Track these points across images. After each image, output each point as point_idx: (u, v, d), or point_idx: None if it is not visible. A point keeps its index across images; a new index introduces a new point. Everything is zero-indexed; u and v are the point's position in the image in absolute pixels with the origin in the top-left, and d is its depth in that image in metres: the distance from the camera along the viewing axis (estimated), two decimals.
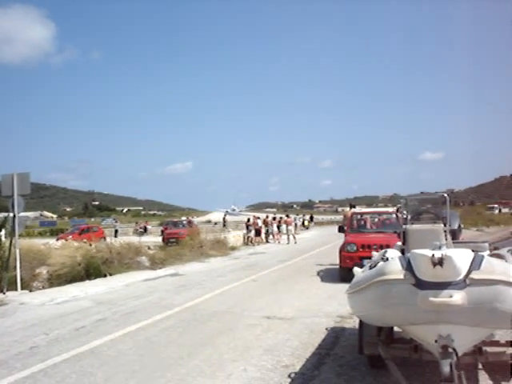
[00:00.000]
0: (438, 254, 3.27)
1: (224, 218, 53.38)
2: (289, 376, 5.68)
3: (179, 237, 29.41)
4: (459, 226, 7.64)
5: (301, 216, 57.56)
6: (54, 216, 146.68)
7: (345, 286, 5.36)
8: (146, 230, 51.30)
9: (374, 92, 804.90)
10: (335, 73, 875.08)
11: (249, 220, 33.45)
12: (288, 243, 30.46)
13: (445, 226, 6.47)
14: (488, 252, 5.93)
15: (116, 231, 50.29)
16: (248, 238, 31.36)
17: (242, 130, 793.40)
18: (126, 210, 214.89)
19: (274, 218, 37.24)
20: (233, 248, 26.35)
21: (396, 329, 5.44)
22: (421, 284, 3.36)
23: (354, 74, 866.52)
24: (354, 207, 19.87)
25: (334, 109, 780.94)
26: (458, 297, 3.22)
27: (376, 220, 16.75)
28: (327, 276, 14.55)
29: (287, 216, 39.00)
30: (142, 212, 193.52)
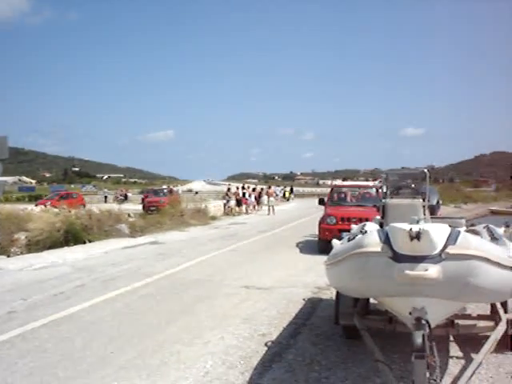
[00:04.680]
0: (415, 228, 3.30)
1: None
2: (265, 344, 5.78)
3: (160, 205, 29.31)
4: (438, 201, 7.75)
5: (282, 188, 57.65)
6: (33, 182, 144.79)
7: (323, 258, 5.41)
8: (126, 197, 51.26)
9: (359, 67, 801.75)
10: (320, 46, 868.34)
11: (229, 190, 33.44)
12: (268, 214, 30.58)
13: (424, 201, 6.55)
14: (464, 228, 6.03)
15: (106, 197, 50.55)
16: (228, 208, 31.38)
17: (224, 100, 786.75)
18: (106, 176, 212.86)
19: (254, 189, 37.31)
20: (213, 218, 26.36)
21: (372, 300, 5.55)
22: (398, 257, 3.41)
23: (338, 47, 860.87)
24: (346, 180, 19.98)
25: (318, 82, 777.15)
26: (433, 270, 3.27)
27: (356, 193, 16.83)
28: (306, 248, 14.70)
29: (269, 187, 39.07)
30: (123, 179, 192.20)
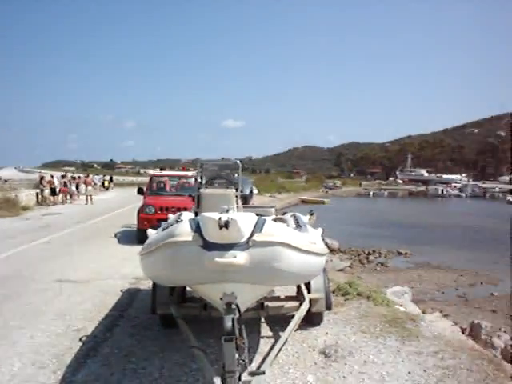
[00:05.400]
0: (224, 217, 3.46)
1: None
2: (80, 340, 5.60)
3: None
4: (251, 191, 8.13)
5: (101, 176, 55.72)
6: None
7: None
8: None
9: (178, 56, 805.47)
10: (137, 33, 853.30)
11: (42, 178, 31.28)
12: (86, 204, 29.33)
13: (236, 191, 6.84)
14: (273, 216, 6.45)
15: None
16: (42, 197, 29.39)
17: (34, 79, 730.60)
18: None
19: (74, 178, 35.56)
20: (25, 208, 24.47)
21: (188, 288, 5.68)
22: (208, 245, 3.54)
23: (157, 34, 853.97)
24: (164, 170, 19.87)
25: (137, 69, 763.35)
26: (241, 257, 3.47)
27: (175, 183, 16.91)
28: (125, 238, 14.43)
29: (87, 176, 37.49)
30: None
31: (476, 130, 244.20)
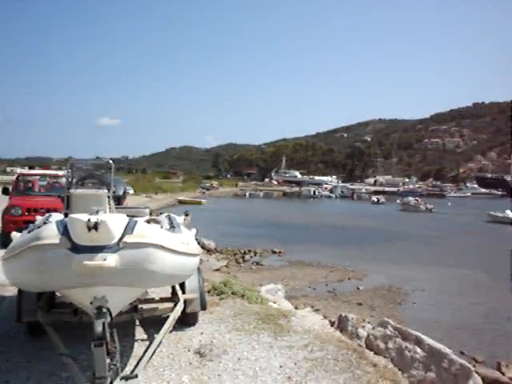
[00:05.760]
0: (93, 218, 3.36)
1: None
2: None
3: None
4: (124, 191, 7.94)
5: None
6: None
7: None
8: None
9: (54, 47, 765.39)
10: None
11: None
12: None
13: (109, 191, 6.63)
14: (147, 217, 6.36)
15: None
16: None
17: None
18: None
19: None
20: None
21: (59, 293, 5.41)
22: (76, 248, 3.41)
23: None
24: (33, 168, 18.68)
25: (15, 57, 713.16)
26: (111, 259, 3.38)
27: (45, 183, 15.98)
28: None
29: None
30: None
31: (345, 135, 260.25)
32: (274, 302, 8.10)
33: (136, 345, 5.45)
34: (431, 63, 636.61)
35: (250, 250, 21.45)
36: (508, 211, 42.79)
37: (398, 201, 62.25)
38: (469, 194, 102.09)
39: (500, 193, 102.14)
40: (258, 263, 18.97)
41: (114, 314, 3.65)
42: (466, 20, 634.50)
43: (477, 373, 6.25)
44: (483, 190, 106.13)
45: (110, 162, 7.19)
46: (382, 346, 6.22)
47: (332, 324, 7.63)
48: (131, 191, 44.69)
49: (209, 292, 7.69)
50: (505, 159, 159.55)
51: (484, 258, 22.46)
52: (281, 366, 5.01)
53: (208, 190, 79.80)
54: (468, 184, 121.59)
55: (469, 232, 34.57)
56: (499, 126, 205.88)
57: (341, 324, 7.49)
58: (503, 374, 8.43)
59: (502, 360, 9.00)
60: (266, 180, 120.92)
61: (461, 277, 17.80)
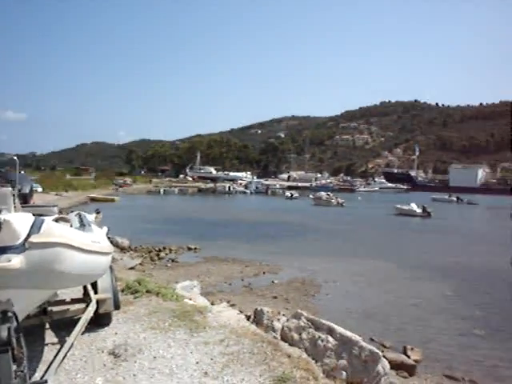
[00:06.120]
0: None
1: None
2: None
3: None
4: (31, 189, 7.57)
5: None
6: None
7: None
8: None
9: None
10: None
11: None
12: None
13: (13, 189, 6.32)
14: (56, 216, 6.11)
15: None
16: None
17: None
18: None
19: None
20: None
21: None
22: None
23: None
24: None
25: None
26: (16, 261, 3.21)
27: None
28: None
29: None
30: None
31: (259, 131, 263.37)
32: (190, 299, 8.06)
33: (46, 349, 5.25)
34: (342, 63, 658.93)
35: (165, 248, 21.28)
36: (413, 204, 45.46)
37: (310, 196, 63.90)
38: (377, 188, 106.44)
39: (405, 187, 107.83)
40: (173, 260, 18.85)
41: (20, 318, 3.49)
42: (377, 21, 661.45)
43: (385, 357, 6.60)
44: (390, 185, 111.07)
45: (15, 158, 6.84)
46: (296, 337, 6.40)
47: (248, 318, 7.73)
48: (39, 189, 42.86)
49: (122, 291, 7.54)
50: (409, 155, 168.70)
51: (392, 250, 23.67)
52: (197, 362, 5.02)
53: (121, 186, 77.87)
54: (376, 179, 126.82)
55: (378, 225, 36.24)
56: (404, 123, 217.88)
57: (256, 318, 7.60)
58: (409, 356, 9.03)
59: (408, 344, 9.59)
60: (181, 176, 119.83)
61: (371, 268, 18.62)
